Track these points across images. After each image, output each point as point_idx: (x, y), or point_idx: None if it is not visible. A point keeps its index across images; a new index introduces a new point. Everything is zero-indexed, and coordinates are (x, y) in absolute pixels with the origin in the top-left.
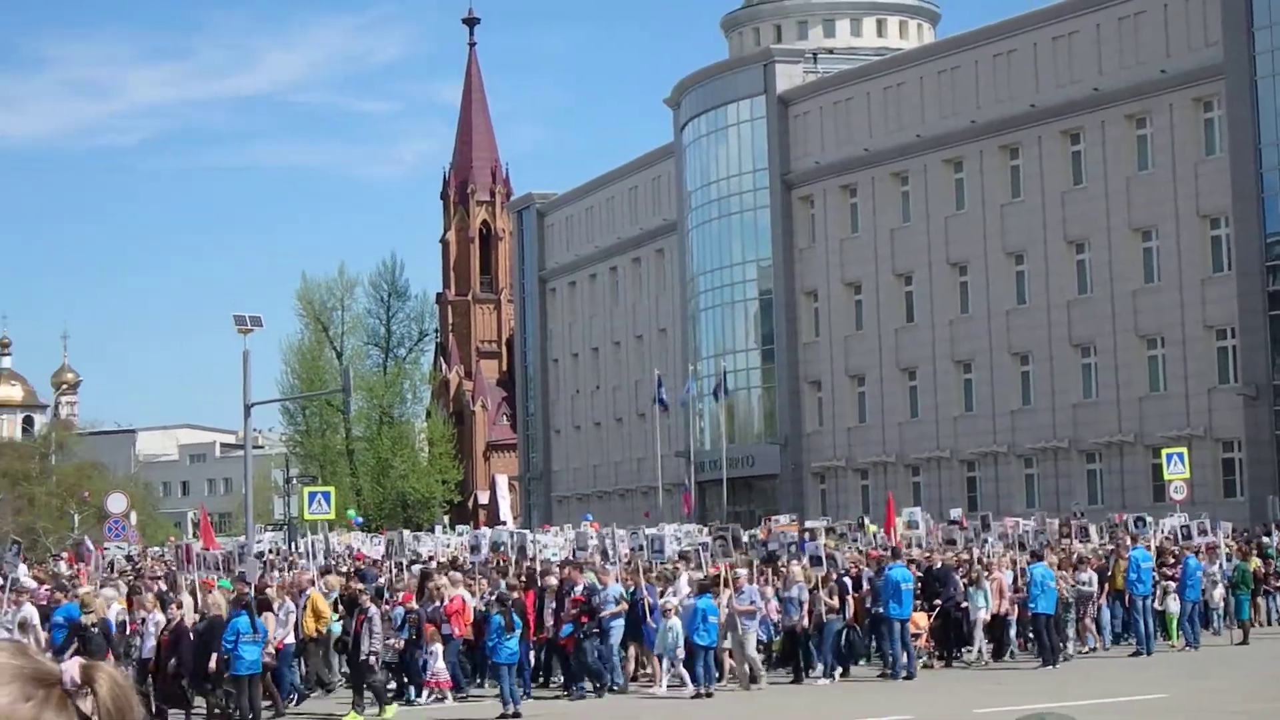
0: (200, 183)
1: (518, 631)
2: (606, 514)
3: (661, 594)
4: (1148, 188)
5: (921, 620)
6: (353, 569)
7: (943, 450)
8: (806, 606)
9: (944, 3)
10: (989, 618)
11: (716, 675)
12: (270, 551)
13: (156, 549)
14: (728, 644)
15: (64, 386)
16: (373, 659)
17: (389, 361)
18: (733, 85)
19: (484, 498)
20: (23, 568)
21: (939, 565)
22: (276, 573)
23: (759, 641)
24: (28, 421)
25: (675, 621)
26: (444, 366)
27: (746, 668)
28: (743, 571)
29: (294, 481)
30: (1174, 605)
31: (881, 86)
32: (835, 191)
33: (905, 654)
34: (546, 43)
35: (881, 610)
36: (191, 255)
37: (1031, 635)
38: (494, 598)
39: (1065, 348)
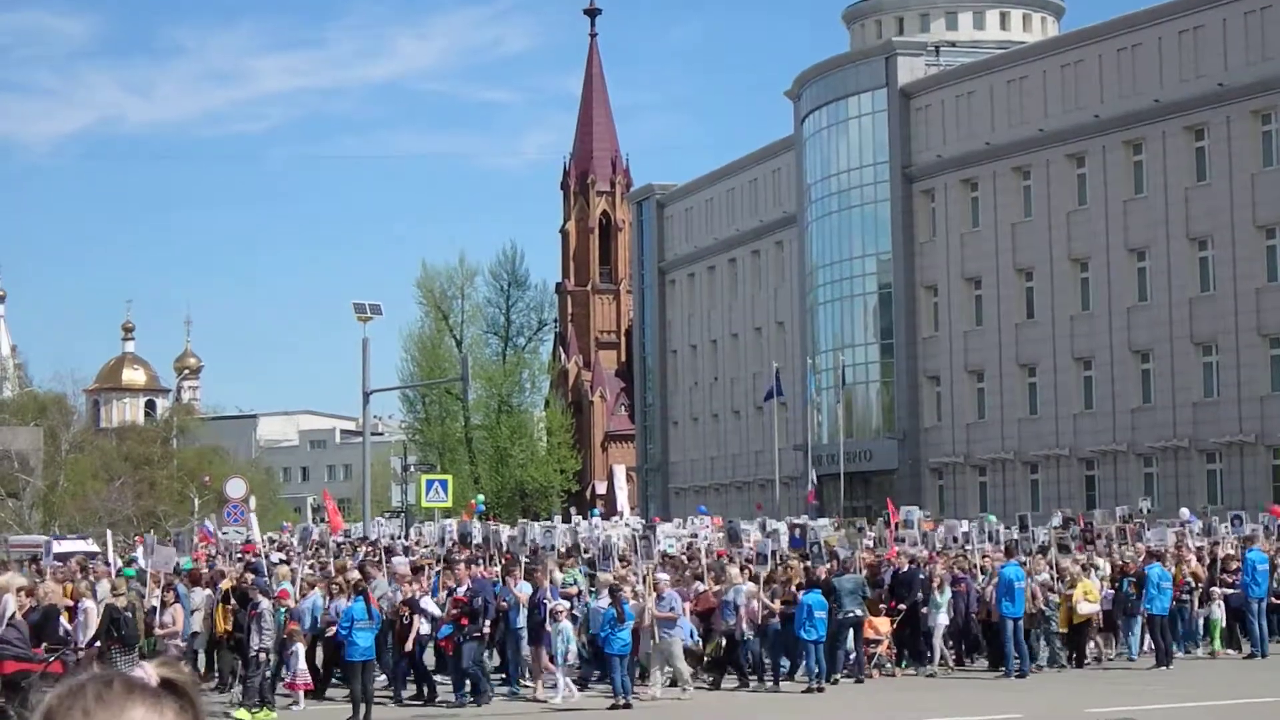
0: (325, 170)
1: (629, 623)
2: (723, 507)
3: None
4: (1272, 184)
5: (884, 625)
6: (244, 562)
7: (1062, 448)
8: (745, 610)
9: None
10: (947, 622)
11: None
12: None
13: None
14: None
15: (186, 371)
16: (262, 655)
17: (508, 350)
18: (854, 78)
19: (601, 488)
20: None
21: (905, 568)
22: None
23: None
24: (150, 406)
25: (566, 624)
26: (563, 356)
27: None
28: (664, 576)
29: (412, 469)
30: (1218, 612)
31: (1004, 80)
32: (956, 185)
33: (1018, 653)
34: (667, 34)
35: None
36: (314, 242)
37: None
38: (606, 590)
39: (1187, 345)
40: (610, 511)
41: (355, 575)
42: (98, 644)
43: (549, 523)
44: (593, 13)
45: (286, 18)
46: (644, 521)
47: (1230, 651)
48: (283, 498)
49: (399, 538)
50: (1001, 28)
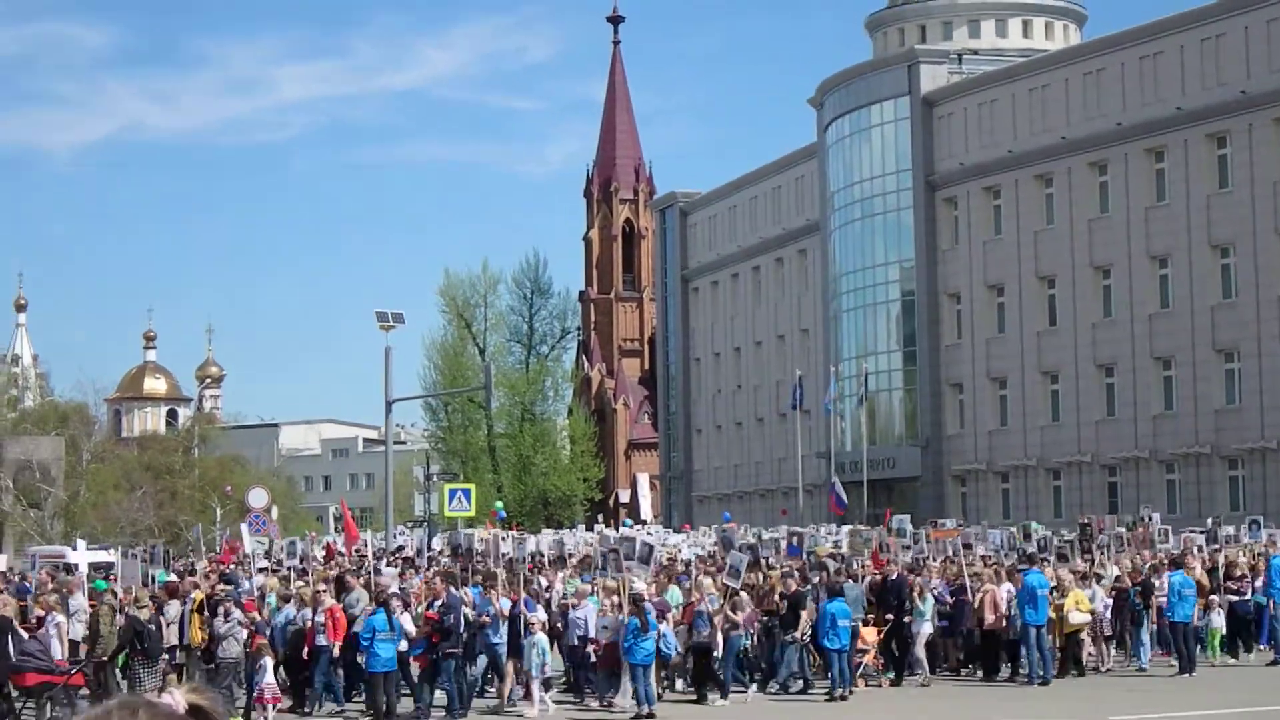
0: (347, 179)
1: (653, 633)
2: (747, 514)
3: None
4: None
5: (870, 635)
6: (218, 571)
7: (1084, 455)
8: (718, 621)
9: (1090, 4)
10: (930, 631)
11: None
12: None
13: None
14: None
15: (208, 380)
16: (227, 664)
17: (531, 359)
18: (877, 85)
19: (625, 496)
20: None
21: (894, 576)
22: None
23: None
24: (172, 415)
25: (541, 637)
26: (586, 364)
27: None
28: (641, 587)
29: (435, 478)
30: (1217, 620)
31: (1026, 88)
32: (978, 193)
33: (1041, 660)
34: (690, 42)
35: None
36: (336, 250)
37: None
38: (628, 598)
39: (1209, 352)
40: (635, 520)
41: (322, 587)
42: (112, 656)
43: (521, 535)
44: (616, 20)
45: (309, 27)
46: (616, 533)
47: (1248, 656)
48: (304, 507)
49: (424, 549)
50: (1024, 36)
